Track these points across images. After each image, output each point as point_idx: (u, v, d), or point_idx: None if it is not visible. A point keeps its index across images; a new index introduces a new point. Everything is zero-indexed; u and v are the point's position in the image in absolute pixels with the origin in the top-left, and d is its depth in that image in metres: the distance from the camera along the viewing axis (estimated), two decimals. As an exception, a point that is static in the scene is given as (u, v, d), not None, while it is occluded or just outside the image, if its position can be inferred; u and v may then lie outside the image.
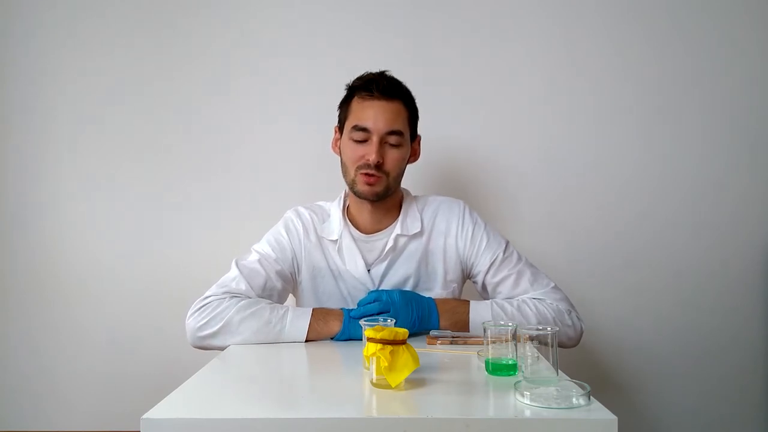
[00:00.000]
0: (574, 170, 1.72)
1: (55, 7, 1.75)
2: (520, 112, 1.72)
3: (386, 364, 0.80)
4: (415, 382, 0.84)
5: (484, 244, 1.28)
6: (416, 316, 1.14)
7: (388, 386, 0.81)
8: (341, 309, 1.18)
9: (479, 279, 1.29)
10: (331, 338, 1.16)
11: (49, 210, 1.75)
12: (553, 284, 1.25)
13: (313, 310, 1.18)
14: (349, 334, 1.14)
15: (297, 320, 1.15)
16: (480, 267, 1.27)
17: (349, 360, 1.03)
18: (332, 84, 1.37)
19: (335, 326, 1.15)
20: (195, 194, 1.74)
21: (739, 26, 1.70)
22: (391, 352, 0.81)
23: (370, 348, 0.83)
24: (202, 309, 1.16)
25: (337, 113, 1.31)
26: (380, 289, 1.26)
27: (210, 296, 1.18)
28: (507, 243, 1.30)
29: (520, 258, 1.28)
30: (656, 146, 1.72)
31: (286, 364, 1.07)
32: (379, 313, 1.12)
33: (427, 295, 1.23)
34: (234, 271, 1.22)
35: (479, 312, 1.18)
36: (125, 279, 1.74)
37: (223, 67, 1.74)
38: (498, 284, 1.26)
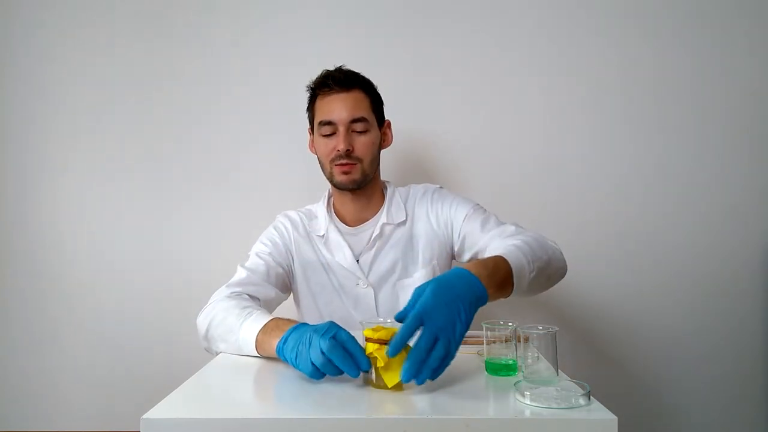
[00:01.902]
0: (572, 169, 1.72)
1: (55, 8, 1.75)
2: (518, 112, 1.72)
3: (382, 364, 0.80)
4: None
5: (456, 201, 1.32)
6: (462, 308, 0.81)
7: (386, 386, 0.81)
8: (296, 324, 0.94)
9: (457, 230, 1.29)
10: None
11: (49, 210, 1.75)
12: (515, 224, 1.24)
13: (270, 320, 1.01)
14: (284, 357, 0.91)
15: (247, 331, 1.02)
16: (458, 219, 1.30)
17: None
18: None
19: (275, 342, 0.94)
20: (195, 195, 1.74)
21: (737, 24, 1.70)
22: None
23: (368, 348, 0.82)
24: (204, 314, 1.14)
25: (307, 116, 1.35)
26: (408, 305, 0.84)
27: (212, 300, 1.17)
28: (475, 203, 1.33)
29: (485, 210, 1.31)
30: (655, 145, 1.72)
31: (285, 364, 1.06)
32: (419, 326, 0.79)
33: (411, 276, 1.27)
34: (238, 270, 1.25)
35: (512, 257, 0.97)
36: (125, 279, 1.74)
37: (223, 69, 1.74)
38: (471, 230, 1.26)
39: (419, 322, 0.78)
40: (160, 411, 0.74)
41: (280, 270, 1.29)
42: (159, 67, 1.74)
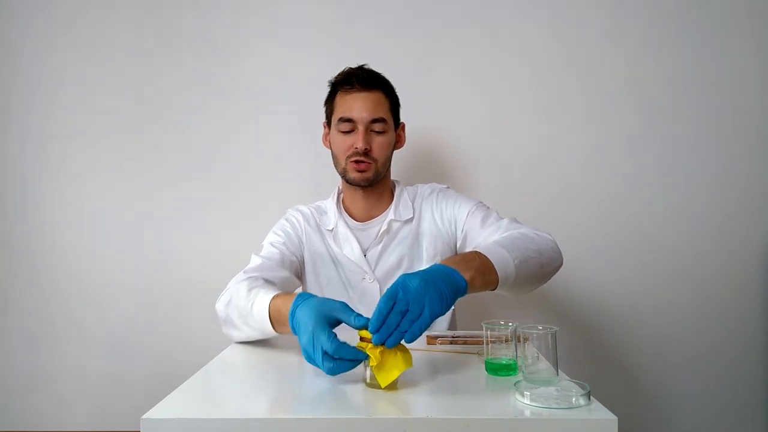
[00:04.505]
0: (571, 169, 1.72)
1: (54, 8, 1.75)
2: (524, 112, 1.73)
3: (375, 363, 0.80)
4: (415, 382, 0.84)
5: (460, 200, 1.34)
6: (446, 292, 0.85)
7: (378, 386, 0.81)
8: (302, 294, 0.95)
9: (460, 227, 1.31)
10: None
11: (50, 210, 1.75)
12: (511, 219, 1.25)
13: (279, 294, 1.03)
14: (292, 326, 0.91)
15: (262, 297, 1.03)
16: (461, 217, 1.31)
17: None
18: (332, 83, 1.37)
19: (290, 304, 0.93)
20: (195, 194, 1.74)
21: (737, 25, 1.70)
22: (381, 352, 0.80)
23: (362, 347, 0.82)
24: (223, 300, 1.14)
25: (324, 110, 1.36)
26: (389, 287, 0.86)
27: (229, 286, 1.17)
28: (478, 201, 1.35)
29: (489, 207, 1.33)
30: (654, 144, 1.72)
31: (285, 364, 1.06)
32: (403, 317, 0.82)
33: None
34: (253, 259, 1.26)
35: (488, 250, 0.99)
36: (125, 279, 1.74)
37: (224, 67, 1.74)
38: (472, 226, 1.28)
39: (394, 295, 0.81)
40: (160, 411, 0.74)
41: (294, 258, 1.31)
42: (160, 65, 1.74)
